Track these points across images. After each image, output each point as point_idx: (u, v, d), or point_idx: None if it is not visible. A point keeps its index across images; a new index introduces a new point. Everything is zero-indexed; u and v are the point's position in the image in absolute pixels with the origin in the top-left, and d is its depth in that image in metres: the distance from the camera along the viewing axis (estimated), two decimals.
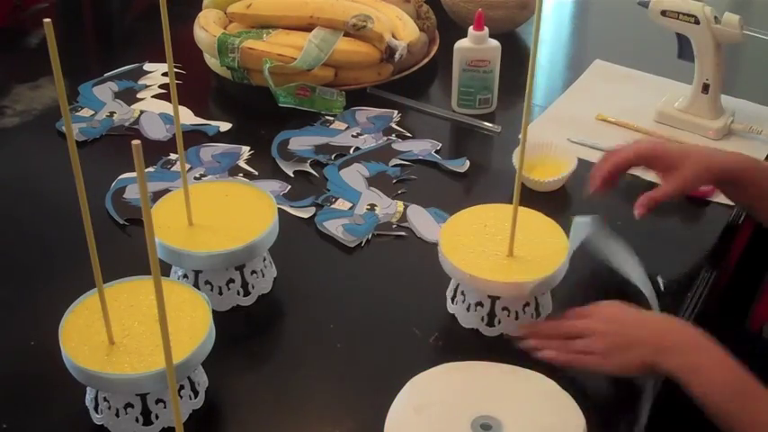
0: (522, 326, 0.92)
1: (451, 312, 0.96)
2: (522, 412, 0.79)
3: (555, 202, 1.13)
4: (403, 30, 1.41)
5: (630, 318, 0.88)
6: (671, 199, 0.99)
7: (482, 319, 0.93)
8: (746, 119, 1.28)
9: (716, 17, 1.19)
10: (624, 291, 0.94)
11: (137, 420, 0.81)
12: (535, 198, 1.13)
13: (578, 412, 0.79)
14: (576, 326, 0.89)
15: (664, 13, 1.23)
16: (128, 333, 0.80)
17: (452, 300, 0.96)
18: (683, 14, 1.21)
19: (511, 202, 1.01)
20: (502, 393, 0.81)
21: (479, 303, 0.93)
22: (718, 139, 1.25)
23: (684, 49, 1.25)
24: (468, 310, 0.94)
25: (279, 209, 0.98)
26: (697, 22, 1.20)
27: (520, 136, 0.87)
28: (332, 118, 1.31)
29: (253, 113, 1.35)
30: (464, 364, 0.85)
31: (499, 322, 0.93)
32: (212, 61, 1.40)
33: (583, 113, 1.33)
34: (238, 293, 0.96)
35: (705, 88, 1.25)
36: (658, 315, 0.90)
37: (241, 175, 1.19)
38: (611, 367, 0.85)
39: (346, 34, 1.36)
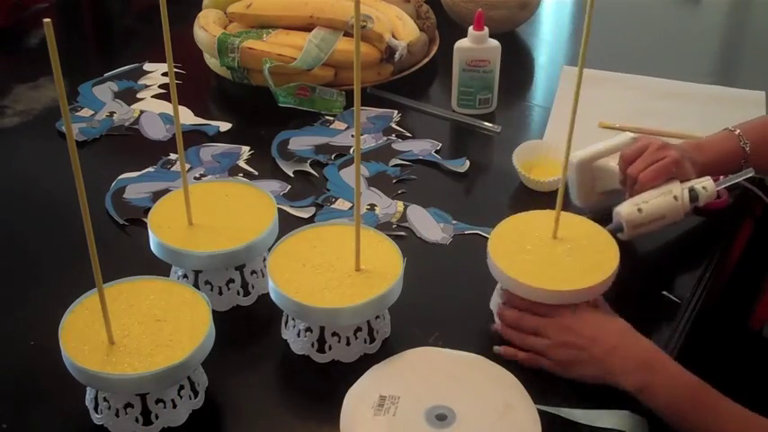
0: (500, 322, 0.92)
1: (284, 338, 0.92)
2: (473, 398, 0.81)
3: (555, 202, 1.13)
4: (403, 30, 1.41)
5: (584, 329, 0.86)
6: None
7: (312, 345, 0.89)
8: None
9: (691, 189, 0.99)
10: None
11: (137, 420, 0.81)
12: (535, 198, 1.13)
13: (524, 393, 0.81)
14: (532, 323, 0.89)
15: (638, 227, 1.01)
16: (128, 333, 0.80)
17: (285, 325, 0.92)
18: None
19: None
20: (453, 380, 0.83)
21: (309, 329, 0.89)
22: None
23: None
24: (298, 335, 0.90)
25: (279, 209, 0.98)
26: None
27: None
28: (332, 118, 1.31)
29: (253, 113, 1.35)
30: (416, 351, 0.87)
31: (330, 348, 0.89)
32: (212, 61, 1.40)
33: (582, 122, 1.29)
34: (238, 293, 0.96)
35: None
36: (613, 324, 0.87)
37: (241, 175, 1.19)
38: (567, 377, 0.86)
39: (346, 34, 1.36)
